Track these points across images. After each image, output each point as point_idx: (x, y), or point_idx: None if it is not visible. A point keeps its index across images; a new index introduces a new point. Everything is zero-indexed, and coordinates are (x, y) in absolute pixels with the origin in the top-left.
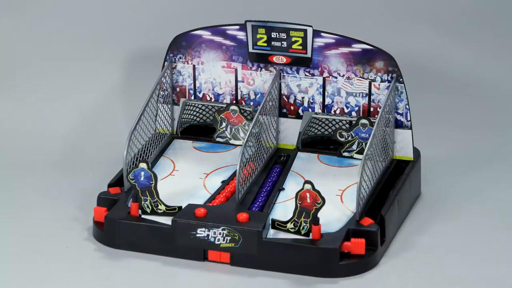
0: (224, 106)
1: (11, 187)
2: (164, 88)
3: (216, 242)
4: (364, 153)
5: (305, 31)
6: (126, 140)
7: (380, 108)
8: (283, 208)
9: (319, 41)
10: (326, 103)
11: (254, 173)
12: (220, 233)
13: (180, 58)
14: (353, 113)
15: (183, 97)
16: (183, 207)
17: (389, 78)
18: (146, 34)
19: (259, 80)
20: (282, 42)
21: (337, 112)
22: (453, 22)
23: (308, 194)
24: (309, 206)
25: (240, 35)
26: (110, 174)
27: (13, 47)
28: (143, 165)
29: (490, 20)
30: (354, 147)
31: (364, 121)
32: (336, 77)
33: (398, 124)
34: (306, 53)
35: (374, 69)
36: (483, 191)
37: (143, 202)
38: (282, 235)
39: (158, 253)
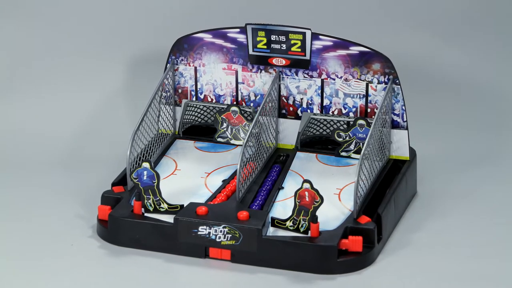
0: (225, 107)
1: (17, 186)
2: (167, 89)
3: (217, 240)
4: (362, 153)
5: (303, 34)
6: (129, 140)
7: (377, 109)
8: (283, 206)
9: (318, 44)
10: (324, 104)
11: (254, 173)
12: (221, 231)
13: (182, 60)
14: (351, 114)
15: (185, 98)
16: (185, 206)
17: (386, 80)
18: (149, 37)
19: (259, 82)
20: (282, 45)
21: (335, 113)
22: (448, 24)
23: (307, 193)
24: (307, 205)
25: (241, 37)
26: (114, 173)
27: (18, 48)
28: (146, 164)
29: (485, 21)
30: (352, 147)
31: (361, 121)
32: (334, 79)
33: (395, 125)
34: (304, 56)
35: (371, 71)
36: (478, 190)
37: (146, 201)
38: (282, 232)
39: (161, 250)
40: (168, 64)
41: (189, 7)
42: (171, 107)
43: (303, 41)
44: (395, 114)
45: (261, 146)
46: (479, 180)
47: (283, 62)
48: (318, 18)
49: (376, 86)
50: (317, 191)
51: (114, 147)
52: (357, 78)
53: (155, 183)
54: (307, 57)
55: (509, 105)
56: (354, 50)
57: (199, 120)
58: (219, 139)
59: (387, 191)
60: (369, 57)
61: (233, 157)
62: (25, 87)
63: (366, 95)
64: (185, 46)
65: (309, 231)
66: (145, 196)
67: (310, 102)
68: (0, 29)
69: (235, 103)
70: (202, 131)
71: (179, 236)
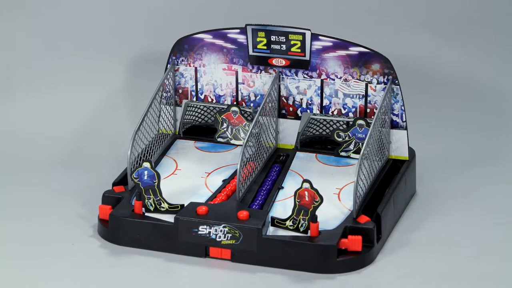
0: (225, 107)
1: (17, 186)
2: (167, 89)
3: (217, 239)
4: (361, 152)
5: (303, 34)
6: (130, 140)
7: (376, 109)
8: (282, 206)
9: (317, 44)
10: (324, 104)
11: (254, 172)
12: (221, 230)
13: (182, 60)
14: (350, 114)
15: (185, 99)
16: (185, 205)
17: (385, 80)
18: (149, 37)
19: (259, 82)
20: (281, 45)
21: (335, 113)
22: (448, 24)
23: (306, 193)
24: (307, 204)
25: (241, 38)
26: (115, 173)
27: (18, 48)
28: (146, 164)
29: (485, 21)
30: (351, 147)
31: (360, 121)
32: (333, 79)
33: (394, 125)
34: (304, 56)
35: (371, 71)
36: (476, 190)
37: (146, 200)
38: (281, 232)
39: (161, 250)
40: (168, 65)
41: (189, 7)
42: (172, 107)
43: (303, 42)
44: (394, 114)
45: (261, 146)
46: (479, 180)
47: (283, 62)
48: (318, 18)
49: (375, 87)
50: (316, 190)
51: (114, 147)
52: (357, 79)
53: (156, 183)
54: (307, 57)
55: (509, 105)
56: (354, 50)
57: (200, 120)
58: (219, 139)
59: (386, 191)
60: (368, 58)
61: (233, 157)
62: (25, 87)
63: (366, 95)
64: (185, 47)
65: (309, 231)
66: (145, 195)
67: (310, 102)
68: (0, 29)
69: (235, 103)
70: (203, 131)
71: (179, 235)
